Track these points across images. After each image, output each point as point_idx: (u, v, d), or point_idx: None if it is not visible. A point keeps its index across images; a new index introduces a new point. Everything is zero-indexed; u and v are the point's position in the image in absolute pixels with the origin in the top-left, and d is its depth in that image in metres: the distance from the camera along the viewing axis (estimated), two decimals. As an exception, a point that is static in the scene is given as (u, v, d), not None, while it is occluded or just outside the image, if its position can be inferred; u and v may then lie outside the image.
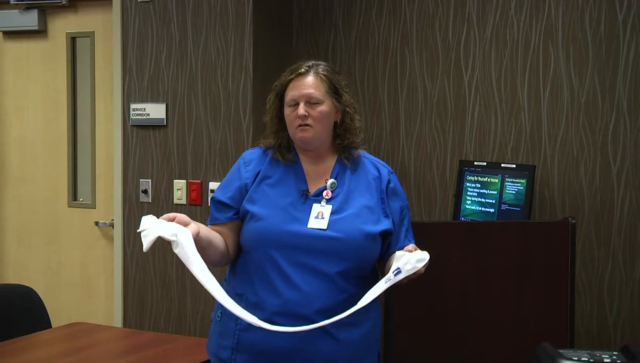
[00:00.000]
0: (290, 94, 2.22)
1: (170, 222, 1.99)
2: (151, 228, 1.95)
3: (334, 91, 2.25)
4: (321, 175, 2.26)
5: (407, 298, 2.92)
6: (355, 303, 2.10)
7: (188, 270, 4.02)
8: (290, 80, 2.24)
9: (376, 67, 3.95)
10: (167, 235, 1.96)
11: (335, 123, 2.27)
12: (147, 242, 1.95)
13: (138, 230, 1.97)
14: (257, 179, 2.25)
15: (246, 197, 2.23)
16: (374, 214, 2.21)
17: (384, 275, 2.30)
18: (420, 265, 2.00)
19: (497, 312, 2.91)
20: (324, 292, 2.12)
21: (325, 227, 2.16)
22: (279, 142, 2.29)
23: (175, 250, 1.99)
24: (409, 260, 2.00)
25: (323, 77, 2.24)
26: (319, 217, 2.17)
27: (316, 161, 2.27)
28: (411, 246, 2.06)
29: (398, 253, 2.03)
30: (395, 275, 2.01)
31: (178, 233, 1.98)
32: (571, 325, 2.90)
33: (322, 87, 2.22)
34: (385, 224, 2.22)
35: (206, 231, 2.15)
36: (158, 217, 2.00)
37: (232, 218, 2.24)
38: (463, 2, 3.76)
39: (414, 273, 2.01)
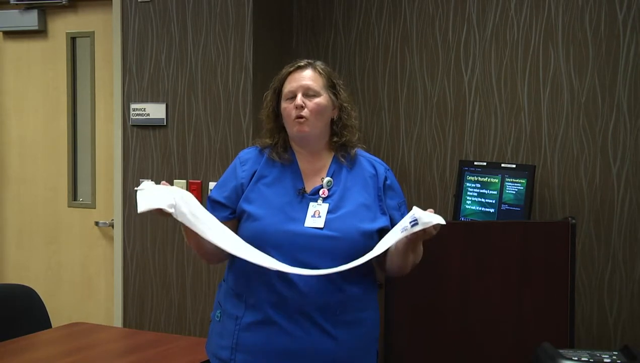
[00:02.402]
0: (289, 86, 2.23)
1: (170, 188, 2.02)
2: (151, 195, 1.96)
3: (332, 86, 2.26)
4: (317, 173, 2.26)
5: (406, 297, 2.92)
6: (353, 302, 2.11)
7: (187, 270, 4.03)
8: (289, 74, 2.25)
9: (376, 67, 3.95)
10: (166, 207, 1.96)
11: (332, 120, 2.28)
12: (143, 206, 1.95)
13: (136, 188, 1.99)
14: (253, 178, 2.25)
15: (242, 197, 2.23)
16: (371, 212, 2.22)
17: (382, 272, 2.31)
18: (437, 221, 1.98)
19: (497, 311, 2.91)
20: (322, 290, 2.13)
21: (322, 226, 2.16)
22: (275, 142, 2.29)
23: (179, 219, 2.01)
24: (428, 215, 1.98)
25: (321, 71, 2.26)
26: (316, 215, 2.18)
27: (313, 159, 2.28)
28: (430, 210, 2.04)
29: (415, 207, 2.01)
30: (413, 226, 1.99)
31: (177, 200, 1.99)
32: (571, 325, 2.90)
33: (320, 80, 2.24)
34: (382, 222, 2.22)
35: None
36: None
37: (228, 217, 2.25)
38: (463, 2, 3.76)
39: (423, 231, 1.99)
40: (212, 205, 2.28)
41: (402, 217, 2.28)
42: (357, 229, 2.16)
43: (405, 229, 2.02)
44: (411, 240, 2.06)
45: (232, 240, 2.11)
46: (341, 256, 2.15)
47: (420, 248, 2.18)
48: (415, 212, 2.00)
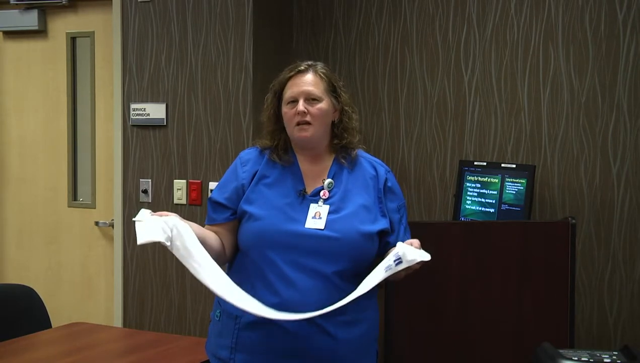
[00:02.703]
0: (290, 91, 2.23)
1: (167, 219, 2.01)
2: (149, 226, 1.98)
3: (333, 90, 2.26)
4: (318, 175, 2.26)
5: (407, 298, 2.92)
6: (353, 302, 2.10)
7: (187, 269, 4.02)
8: (290, 78, 2.25)
9: (376, 67, 3.95)
10: (164, 240, 1.98)
11: (333, 123, 2.28)
12: (143, 238, 1.97)
13: (134, 219, 2.00)
14: (254, 179, 2.25)
15: (243, 198, 2.23)
16: (371, 214, 2.22)
17: None
18: (420, 259, 2.00)
19: (497, 312, 2.91)
20: (322, 291, 2.12)
21: (322, 227, 2.16)
22: (275, 143, 2.29)
23: (173, 252, 2.01)
24: (413, 252, 2.00)
25: (322, 75, 2.25)
26: (317, 217, 2.17)
27: (313, 161, 2.28)
28: (416, 242, 2.06)
29: (400, 244, 2.03)
30: (397, 264, 2.01)
31: (173, 233, 2.00)
32: (571, 325, 2.90)
33: (321, 84, 2.23)
34: (382, 224, 2.22)
35: (199, 231, 2.16)
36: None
37: (229, 218, 2.24)
38: (463, 2, 3.76)
39: (409, 267, 2.01)
40: (212, 206, 2.28)
41: (401, 220, 2.28)
42: (358, 230, 2.16)
43: (389, 268, 2.03)
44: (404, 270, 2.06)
45: (222, 280, 2.07)
46: (341, 257, 2.15)
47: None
48: (399, 249, 2.01)
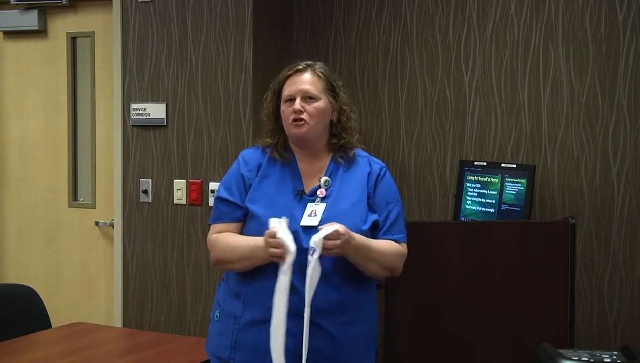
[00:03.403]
0: (288, 90, 2.24)
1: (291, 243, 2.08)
2: (288, 234, 2.07)
3: (331, 89, 2.27)
4: (316, 174, 2.27)
5: (407, 298, 2.92)
6: (352, 303, 2.11)
7: (187, 269, 4.03)
8: (288, 77, 2.26)
9: (376, 67, 3.95)
10: (292, 251, 2.05)
11: (331, 122, 2.28)
12: (285, 237, 2.07)
13: (284, 218, 2.11)
14: (257, 177, 2.26)
15: (248, 196, 2.24)
16: (365, 210, 2.23)
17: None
18: (324, 233, 2.04)
19: (497, 312, 2.91)
20: (321, 291, 2.13)
21: (317, 224, 2.16)
22: (275, 141, 2.30)
23: (285, 265, 2.06)
24: (318, 234, 2.06)
25: (320, 74, 2.26)
26: (312, 215, 2.19)
27: (311, 160, 2.29)
28: (323, 225, 2.11)
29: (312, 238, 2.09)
30: (312, 254, 2.06)
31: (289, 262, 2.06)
32: (571, 325, 2.90)
33: (319, 84, 2.24)
34: (373, 218, 2.23)
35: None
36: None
37: (241, 219, 2.25)
38: (463, 2, 3.76)
39: (326, 248, 2.06)
40: (225, 204, 2.27)
41: (389, 216, 2.28)
42: (352, 228, 2.16)
43: (309, 262, 2.07)
44: (334, 255, 2.10)
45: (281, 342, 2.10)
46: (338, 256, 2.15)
47: (362, 253, 2.18)
48: (311, 242, 2.07)
